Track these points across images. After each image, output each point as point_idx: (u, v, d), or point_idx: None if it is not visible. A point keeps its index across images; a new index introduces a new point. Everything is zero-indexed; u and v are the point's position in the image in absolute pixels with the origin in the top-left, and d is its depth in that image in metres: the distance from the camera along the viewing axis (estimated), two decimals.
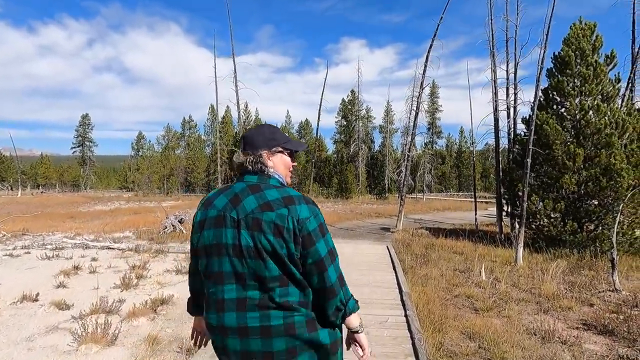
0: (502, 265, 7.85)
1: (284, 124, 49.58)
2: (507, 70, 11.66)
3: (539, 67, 7.65)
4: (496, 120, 11.21)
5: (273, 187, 1.35)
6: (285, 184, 1.44)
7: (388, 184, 36.19)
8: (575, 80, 9.27)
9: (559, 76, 9.54)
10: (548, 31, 7.59)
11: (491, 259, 8.37)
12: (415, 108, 11.56)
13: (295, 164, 1.54)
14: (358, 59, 36.16)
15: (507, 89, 11.82)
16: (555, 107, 9.70)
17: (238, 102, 10.64)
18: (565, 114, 9.35)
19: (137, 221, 14.36)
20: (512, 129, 11.53)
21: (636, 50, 11.37)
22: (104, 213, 20.33)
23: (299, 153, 2.44)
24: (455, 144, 52.71)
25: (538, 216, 9.30)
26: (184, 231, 10.99)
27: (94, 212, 21.38)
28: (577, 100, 9.06)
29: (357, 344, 1.42)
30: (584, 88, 9.07)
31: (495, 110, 12.00)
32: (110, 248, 8.78)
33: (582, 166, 8.59)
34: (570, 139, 8.95)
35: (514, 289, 6.19)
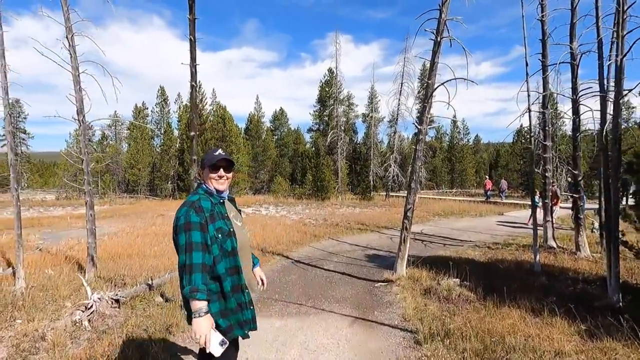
0: None
1: (253, 113, 43.03)
2: None
3: None
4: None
5: (192, 194, 2.18)
6: (210, 191, 2.17)
7: (373, 181, 30.35)
8: None
9: None
10: None
11: None
12: (435, 49, 5.64)
13: (218, 173, 2.16)
14: (335, 31, 30.42)
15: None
16: None
17: (71, 41, 4.36)
18: None
19: None
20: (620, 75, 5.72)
21: None
22: None
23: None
24: (447, 134, 47.42)
25: None
26: None
27: None
28: None
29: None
30: None
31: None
32: None
33: None
34: None
35: None
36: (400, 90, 26.00)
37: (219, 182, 2.16)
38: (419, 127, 5.88)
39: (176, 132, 35.73)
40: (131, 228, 13.59)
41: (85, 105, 5.94)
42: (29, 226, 14.53)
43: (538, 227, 12.26)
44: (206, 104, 34.72)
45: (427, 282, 6.04)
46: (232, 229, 2.10)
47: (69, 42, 5.64)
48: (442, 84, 5.78)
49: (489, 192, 25.03)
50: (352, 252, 9.54)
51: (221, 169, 2.16)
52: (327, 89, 38.43)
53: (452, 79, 5.68)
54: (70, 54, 5.68)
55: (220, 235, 2.03)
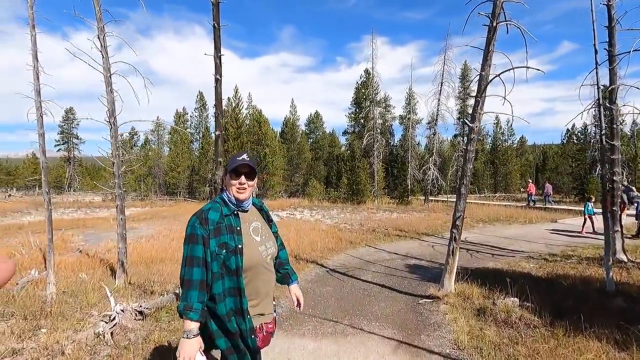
0: None
1: (288, 116, 43.19)
2: None
3: None
4: None
5: (210, 202, 1.99)
6: (227, 199, 1.96)
7: (411, 184, 29.22)
8: None
9: None
10: None
11: None
12: (490, 35, 4.98)
13: (239, 180, 1.92)
14: (372, 31, 29.81)
15: None
16: None
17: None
18: None
19: None
20: None
21: None
22: None
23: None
24: (489, 136, 45.05)
25: None
26: None
27: None
28: None
29: None
30: None
31: None
32: None
33: None
34: None
35: None
36: (440, 90, 24.83)
37: (240, 190, 1.93)
38: (470, 124, 5.20)
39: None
40: (168, 230, 13.73)
41: (117, 107, 5.81)
42: (75, 227, 15.14)
43: (597, 237, 10.96)
44: (242, 107, 35.26)
45: (480, 300, 5.32)
46: (240, 246, 1.85)
47: (100, 43, 5.53)
48: (498, 75, 5.08)
49: (532, 197, 23.43)
50: (391, 261, 8.90)
51: (242, 176, 1.92)
52: (363, 91, 37.69)
53: (510, 69, 4.96)
54: (102, 55, 5.57)
55: (224, 252, 1.82)
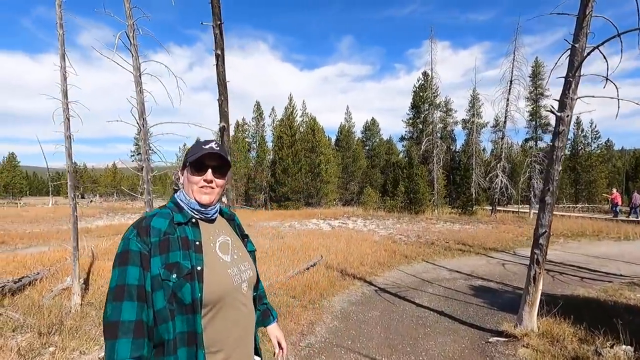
0: None
1: (343, 123, 42.58)
2: None
3: None
4: None
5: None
6: (186, 204, 1.34)
7: (476, 193, 26.80)
8: None
9: None
10: None
11: None
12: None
13: (204, 176, 1.32)
14: (431, 30, 28.27)
15: None
16: None
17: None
18: None
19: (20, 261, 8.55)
20: None
21: None
22: (40, 235, 15.05)
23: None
24: (569, 139, 40.33)
25: None
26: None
27: (38, 233, 16.45)
28: None
29: None
30: None
31: None
32: None
33: None
34: None
35: None
36: (510, 89, 22.48)
37: (204, 190, 1.34)
38: (558, 113, 3.99)
39: (270, 145, 37.37)
40: None
41: (146, 108, 5.51)
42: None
43: None
44: (297, 115, 35.44)
45: (575, 345, 4.01)
46: (198, 267, 1.22)
47: (130, 41, 5.27)
48: (597, 46, 3.84)
49: (617, 208, 20.34)
50: (451, 281, 7.65)
51: (209, 171, 1.33)
52: (421, 94, 35.85)
53: (615, 36, 3.70)
54: (132, 53, 5.31)
55: (174, 276, 1.19)
